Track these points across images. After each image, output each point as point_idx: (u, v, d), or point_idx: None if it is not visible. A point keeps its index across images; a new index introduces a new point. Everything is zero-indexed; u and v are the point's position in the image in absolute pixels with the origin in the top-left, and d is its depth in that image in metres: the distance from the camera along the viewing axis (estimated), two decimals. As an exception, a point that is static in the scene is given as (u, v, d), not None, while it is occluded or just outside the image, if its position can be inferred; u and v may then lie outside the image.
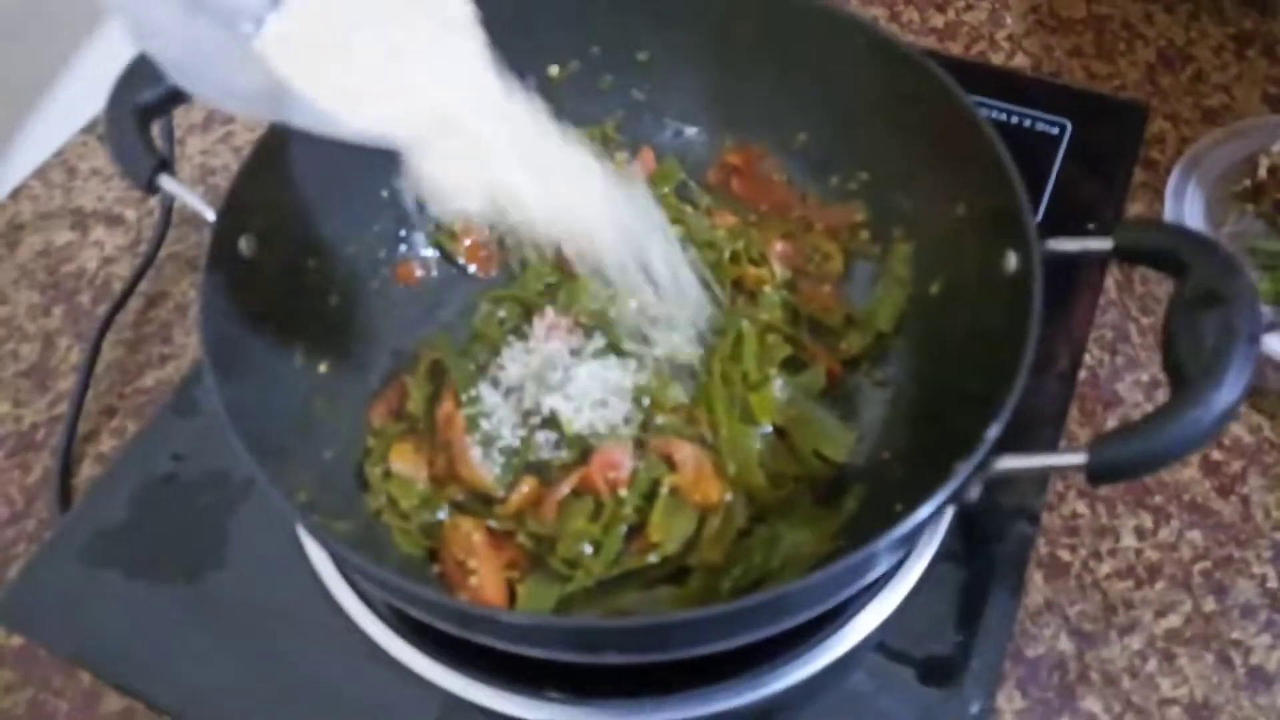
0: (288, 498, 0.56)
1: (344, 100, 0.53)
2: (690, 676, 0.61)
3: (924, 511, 0.51)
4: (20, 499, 0.78)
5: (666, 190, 0.80)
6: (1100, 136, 0.87)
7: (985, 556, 0.69)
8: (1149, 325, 0.85)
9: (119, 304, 0.86)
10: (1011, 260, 0.61)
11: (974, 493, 0.54)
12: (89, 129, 1.00)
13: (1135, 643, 0.70)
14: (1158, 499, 0.77)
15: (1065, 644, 0.70)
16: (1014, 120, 0.89)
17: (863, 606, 0.64)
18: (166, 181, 0.63)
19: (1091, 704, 0.68)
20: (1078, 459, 0.51)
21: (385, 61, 0.54)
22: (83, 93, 1.01)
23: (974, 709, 0.64)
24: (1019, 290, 0.59)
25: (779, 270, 0.75)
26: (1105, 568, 0.74)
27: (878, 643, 0.65)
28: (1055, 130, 0.88)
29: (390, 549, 0.66)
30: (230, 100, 0.56)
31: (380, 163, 0.76)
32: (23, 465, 0.80)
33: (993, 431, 0.53)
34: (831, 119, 0.77)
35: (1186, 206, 0.87)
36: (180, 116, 0.98)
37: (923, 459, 0.65)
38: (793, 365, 0.72)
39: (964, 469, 0.52)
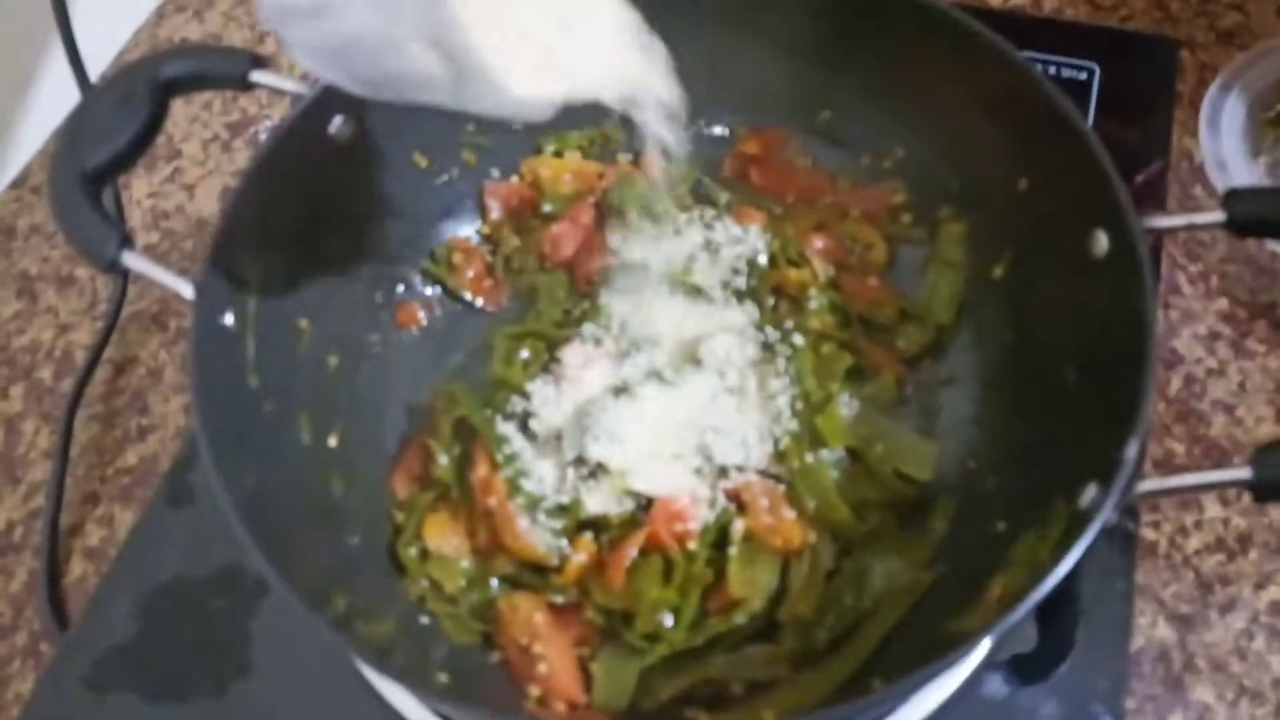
0: (325, 614, 0.49)
1: (529, 74, 0.50)
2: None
3: (1070, 560, 0.45)
4: (8, 611, 0.70)
5: (681, 192, 0.73)
6: (1131, 78, 0.81)
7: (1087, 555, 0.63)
8: (1198, 273, 0.79)
9: (85, 376, 0.77)
10: (1101, 241, 0.55)
11: (1112, 516, 0.48)
12: (19, 183, 0.90)
13: (1238, 621, 0.66)
14: (1235, 460, 0.72)
15: (1165, 631, 0.65)
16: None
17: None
18: (131, 259, 0.55)
19: (1203, 694, 0.64)
20: (1240, 475, 0.46)
21: (557, 32, 0.51)
22: (6, 144, 0.91)
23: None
24: (1118, 275, 0.54)
25: (820, 268, 0.68)
26: (1193, 543, 0.69)
27: (999, 660, 0.60)
28: (1083, 75, 0.81)
29: (440, 638, 0.59)
30: (391, 89, 0.50)
31: (362, 200, 0.69)
32: (3, 570, 0.72)
33: (1130, 451, 0.47)
34: (856, 92, 0.70)
35: (1224, 139, 0.81)
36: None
37: (1017, 465, 0.60)
38: (852, 375, 0.65)
39: (1104, 501, 0.46)
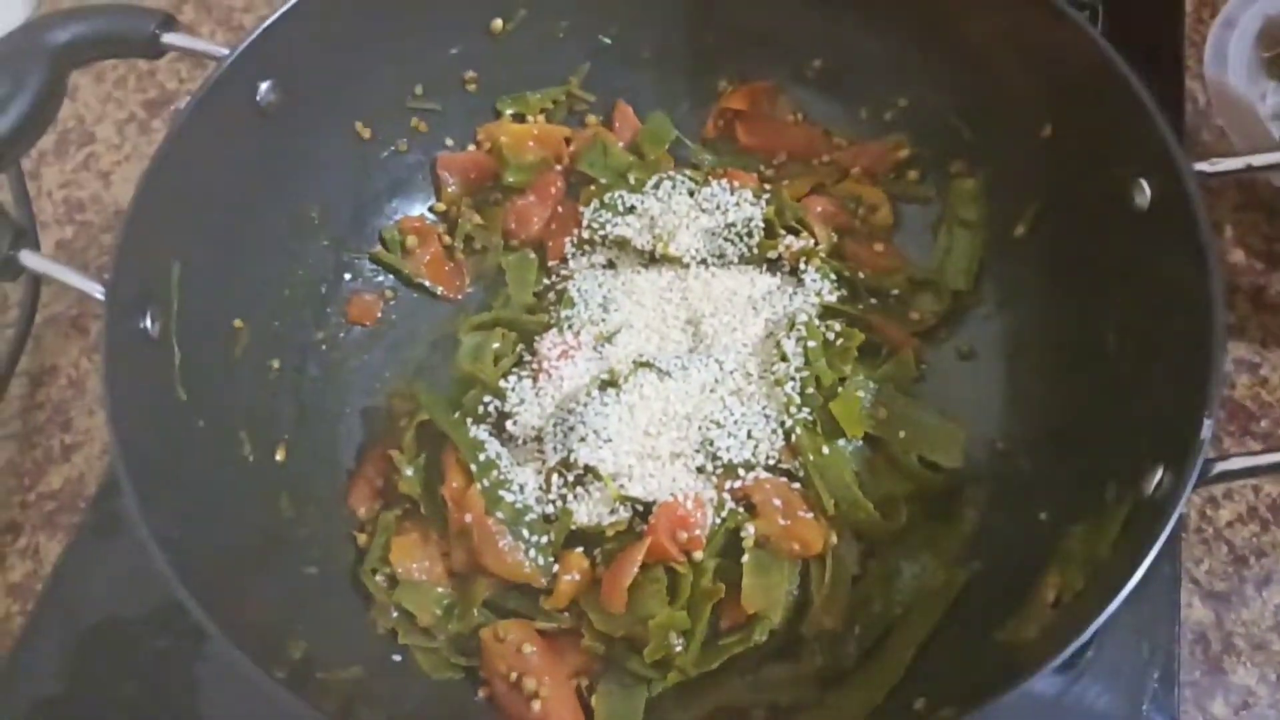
0: (277, 667, 0.42)
1: None
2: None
3: (1146, 558, 0.39)
4: (-78, 655, 0.62)
5: (657, 155, 0.65)
6: (1138, 11, 0.75)
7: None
8: (1211, 222, 0.73)
9: (-1, 390, 0.70)
10: (1144, 190, 0.50)
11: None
12: (-86, 178, 0.81)
13: (1276, 595, 0.61)
14: (1264, 424, 0.67)
15: (1201, 612, 0.61)
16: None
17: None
18: (30, 259, 0.48)
19: (1244, 676, 0.59)
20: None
21: None
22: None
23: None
24: (1167, 228, 0.48)
25: (822, 234, 0.61)
26: (1225, 514, 0.64)
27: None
28: (1086, 11, 0.75)
29: (415, 677, 0.52)
30: None
31: (299, 178, 0.61)
32: (-83, 610, 0.64)
33: (1206, 429, 0.41)
34: (850, 34, 0.63)
35: (1230, 79, 0.76)
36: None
37: (1055, 446, 0.54)
38: (865, 354, 0.58)
39: (1177, 486, 0.40)
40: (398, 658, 0.53)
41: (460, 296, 0.65)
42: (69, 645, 0.58)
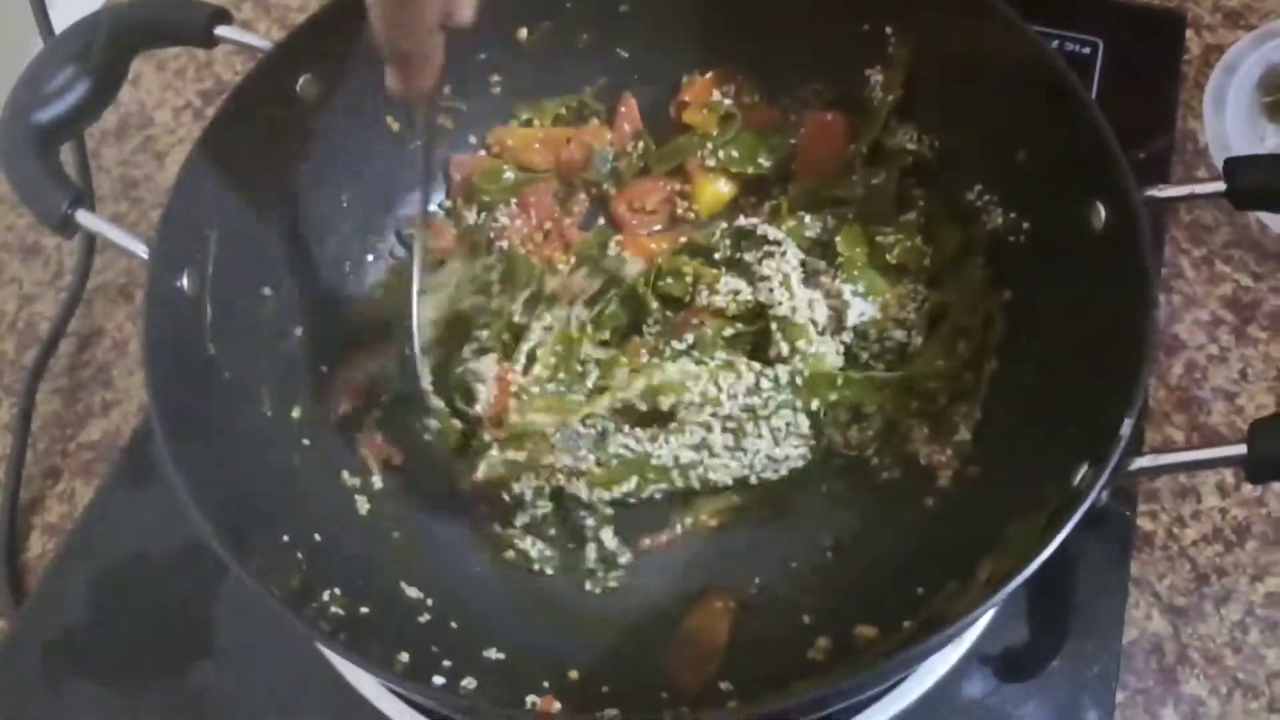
0: (280, 591, 0.47)
1: None
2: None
3: (1058, 538, 0.43)
4: (-38, 588, 0.67)
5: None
6: (1136, 54, 0.78)
7: (1081, 544, 0.61)
8: (1201, 257, 0.76)
9: (48, 348, 0.75)
10: (1100, 213, 0.53)
11: (1103, 497, 0.45)
12: (-15, 148, 0.87)
13: (1233, 613, 0.63)
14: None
15: (1159, 623, 0.63)
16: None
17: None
18: (85, 218, 0.53)
19: (1196, 687, 0.61)
20: (1235, 451, 0.43)
21: None
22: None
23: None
24: (1117, 247, 0.51)
25: None
26: (1190, 533, 0.66)
27: (982, 655, 0.58)
28: (1087, 50, 0.78)
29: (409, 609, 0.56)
30: None
31: (329, 163, 0.65)
32: (-41, 547, 0.69)
33: (1126, 427, 0.44)
34: (850, 60, 0.67)
35: (1229, 121, 0.79)
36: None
37: (1006, 453, 0.57)
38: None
39: (1095, 479, 0.44)
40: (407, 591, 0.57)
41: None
42: (95, 580, 0.63)
